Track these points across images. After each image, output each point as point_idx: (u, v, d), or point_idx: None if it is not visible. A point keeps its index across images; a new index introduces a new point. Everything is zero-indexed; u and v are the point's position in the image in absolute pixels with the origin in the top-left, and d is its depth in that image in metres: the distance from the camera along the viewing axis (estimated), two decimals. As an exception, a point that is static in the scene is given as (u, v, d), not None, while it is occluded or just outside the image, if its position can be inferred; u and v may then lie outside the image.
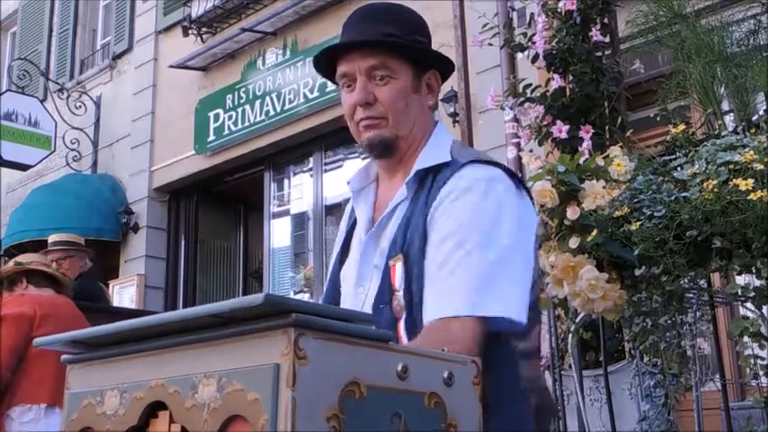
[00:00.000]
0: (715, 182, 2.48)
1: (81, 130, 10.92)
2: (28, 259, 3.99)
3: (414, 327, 1.52)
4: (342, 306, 1.69)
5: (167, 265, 10.14)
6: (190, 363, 1.05)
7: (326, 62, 1.73)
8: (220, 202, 10.52)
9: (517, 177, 1.67)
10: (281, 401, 0.92)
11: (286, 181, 9.62)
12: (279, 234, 9.46)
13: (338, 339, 0.98)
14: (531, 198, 1.71)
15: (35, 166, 10.66)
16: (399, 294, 1.55)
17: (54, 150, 10.65)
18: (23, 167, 10.65)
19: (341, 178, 8.59)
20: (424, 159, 1.68)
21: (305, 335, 0.95)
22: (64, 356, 1.26)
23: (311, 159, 9.11)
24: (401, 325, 1.54)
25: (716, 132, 3.07)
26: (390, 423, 1.01)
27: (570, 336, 3.31)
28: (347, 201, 1.88)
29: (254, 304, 0.94)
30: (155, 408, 1.09)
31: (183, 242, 10.26)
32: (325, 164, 8.97)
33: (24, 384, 3.52)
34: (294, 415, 0.92)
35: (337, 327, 0.99)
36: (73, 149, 10.87)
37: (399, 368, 1.03)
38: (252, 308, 0.95)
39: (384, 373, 1.02)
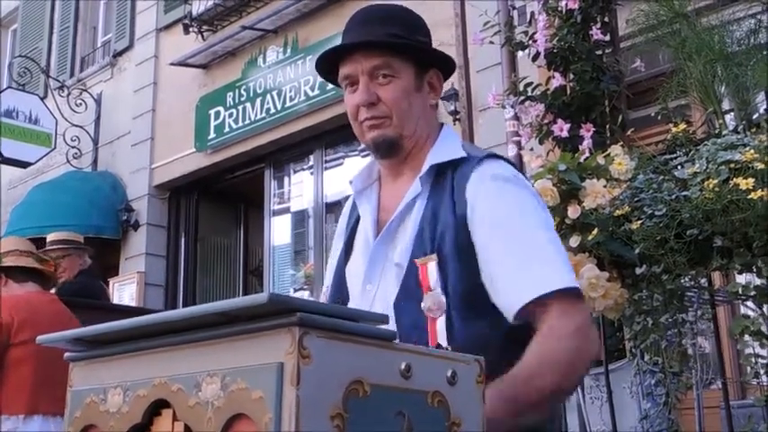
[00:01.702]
0: (716, 181, 2.48)
1: (81, 127, 10.91)
2: (5, 248, 3.78)
3: (451, 325, 1.52)
4: (349, 305, 1.68)
5: (167, 262, 10.14)
6: (193, 361, 1.05)
7: (329, 64, 1.73)
8: (221, 200, 10.52)
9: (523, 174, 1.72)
10: (285, 400, 0.92)
11: (286, 179, 9.62)
12: (279, 232, 9.46)
13: (342, 338, 0.98)
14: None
15: (35, 163, 10.66)
16: (436, 293, 1.54)
17: (54, 148, 10.64)
18: (24, 165, 10.64)
19: (341, 176, 8.58)
20: (437, 155, 1.68)
21: (309, 334, 0.94)
22: (67, 354, 1.26)
23: (312, 157, 9.11)
24: (439, 323, 1.53)
25: (716, 131, 3.07)
26: (394, 422, 1.01)
27: (571, 334, 3.29)
28: (347, 199, 1.88)
29: (258, 303, 0.94)
30: (158, 406, 1.09)
31: (183, 240, 10.26)
32: (326, 161, 8.97)
33: (2, 394, 3.49)
34: (298, 414, 0.91)
35: (341, 326, 0.98)
36: (73, 147, 10.87)
37: (403, 367, 1.03)
38: (256, 307, 0.95)
39: (388, 371, 1.02)
